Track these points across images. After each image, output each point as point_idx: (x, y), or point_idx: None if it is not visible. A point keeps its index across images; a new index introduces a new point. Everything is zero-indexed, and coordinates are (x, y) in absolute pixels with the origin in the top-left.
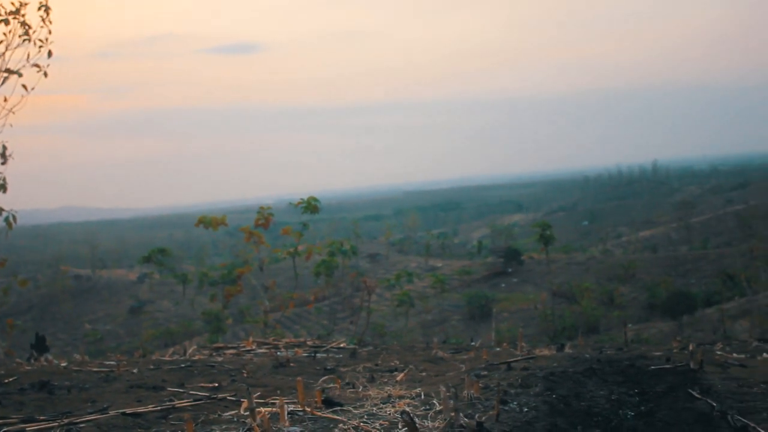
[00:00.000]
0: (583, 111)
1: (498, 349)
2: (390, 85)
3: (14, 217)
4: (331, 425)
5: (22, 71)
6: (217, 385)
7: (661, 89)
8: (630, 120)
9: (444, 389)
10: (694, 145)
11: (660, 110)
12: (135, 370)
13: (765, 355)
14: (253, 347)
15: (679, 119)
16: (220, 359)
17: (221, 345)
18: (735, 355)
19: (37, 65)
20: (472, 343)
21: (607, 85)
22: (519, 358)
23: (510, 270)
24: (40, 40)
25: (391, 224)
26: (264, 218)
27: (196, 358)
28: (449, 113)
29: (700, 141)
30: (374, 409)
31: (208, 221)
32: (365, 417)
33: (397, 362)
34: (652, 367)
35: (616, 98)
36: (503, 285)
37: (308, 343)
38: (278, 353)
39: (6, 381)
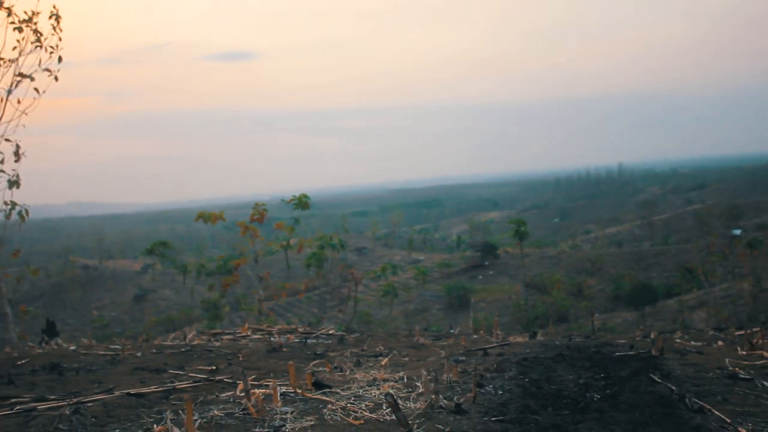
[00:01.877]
0: (554, 116)
1: (475, 336)
2: (379, 90)
3: (27, 212)
4: (321, 406)
5: (34, 75)
6: (214, 368)
7: (626, 96)
8: (597, 125)
9: (425, 373)
10: (656, 149)
11: (625, 116)
12: (139, 354)
13: (720, 343)
14: (249, 333)
15: (643, 125)
16: (217, 344)
17: (219, 331)
18: (693, 343)
19: (48, 70)
20: (452, 331)
21: (576, 93)
22: (495, 344)
23: (487, 263)
24: (51, 47)
25: (377, 220)
26: (259, 214)
27: (196, 342)
28: (434, 117)
29: (662, 145)
30: (360, 391)
31: (207, 216)
32: (352, 398)
33: (382, 348)
34: (617, 354)
35: (585, 105)
36: (480, 277)
37: (299, 329)
38: (272, 339)
39: (19, 363)
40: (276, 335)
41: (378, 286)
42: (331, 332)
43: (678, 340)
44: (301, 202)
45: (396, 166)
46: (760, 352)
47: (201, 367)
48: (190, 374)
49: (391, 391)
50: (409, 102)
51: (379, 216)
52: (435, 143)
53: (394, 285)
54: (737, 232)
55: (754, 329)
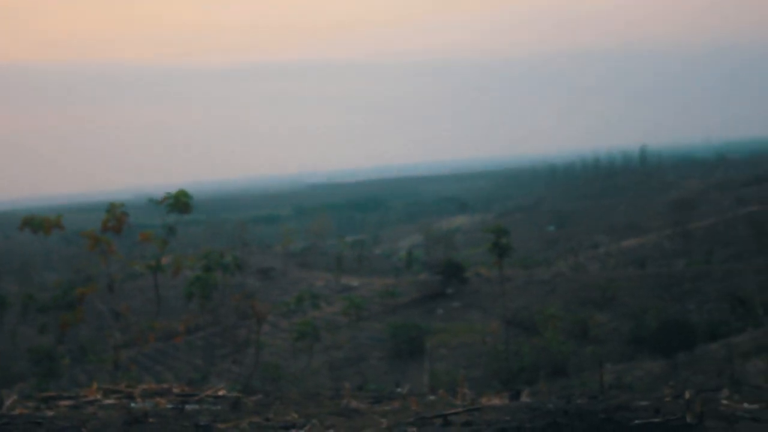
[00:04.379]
0: (549, 76)
1: (432, 397)
2: (273, 45)
3: None
4: None
5: None
6: None
7: (651, 49)
8: (610, 89)
9: None
10: (694, 126)
11: (650, 76)
12: None
13: None
14: (98, 397)
15: (677, 90)
16: (51, 414)
17: (54, 394)
18: (746, 405)
19: None
20: (398, 390)
21: (580, 43)
22: (460, 409)
23: (450, 291)
24: None
25: (290, 228)
26: (115, 219)
27: (17, 412)
28: (369, 78)
29: (703, 120)
30: None
31: (37, 223)
32: None
33: (296, 416)
34: (637, 422)
35: (591, 60)
36: (440, 311)
37: (174, 390)
38: (132, 405)
39: None
40: (139, 399)
41: (292, 325)
42: (221, 393)
43: (725, 402)
44: (179, 202)
45: (316, 150)
46: None
47: None
48: None
49: None
50: (329, 56)
51: (295, 222)
52: (367, 117)
53: (315, 324)
54: None
55: None
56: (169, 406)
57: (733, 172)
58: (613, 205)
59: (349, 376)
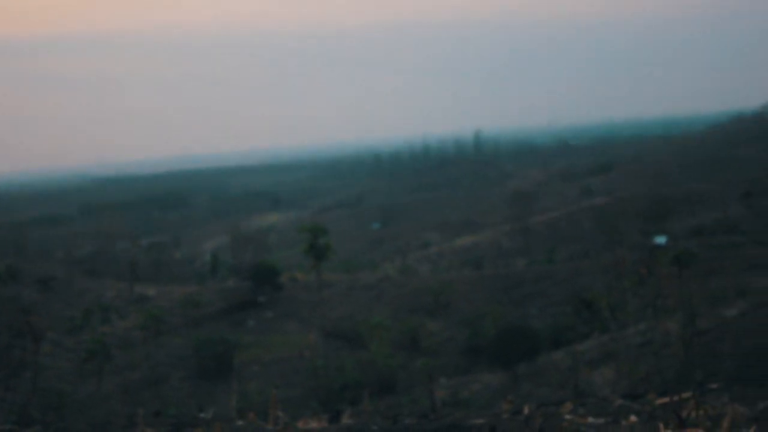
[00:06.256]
0: (370, 51)
1: (241, 422)
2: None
3: None
4: None
5: None
6: None
7: (489, 20)
8: (438, 69)
9: None
10: (534, 108)
11: (486, 53)
12: None
13: (633, 418)
14: None
15: (513, 71)
16: None
17: None
18: (591, 419)
19: None
20: (202, 415)
21: (403, 16)
22: None
23: (262, 299)
24: None
25: (76, 230)
26: None
27: None
28: (151, 53)
29: (545, 102)
30: None
31: None
32: None
33: None
34: None
35: (422, 33)
36: (252, 323)
37: None
38: None
39: None
40: None
41: (78, 344)
42: None
43: (568, 417)
44: None
45: (104, 137)
46: (694, 430)
47: None
48: None
49: None
50: (106, 26)
51: (81, 223)
52: (170, 101)
53: (106, 341)
54: (661, 240)
55: (684, 395)
56: None
57: (576, 160)
58: (445, 198)
59: (147, 400)
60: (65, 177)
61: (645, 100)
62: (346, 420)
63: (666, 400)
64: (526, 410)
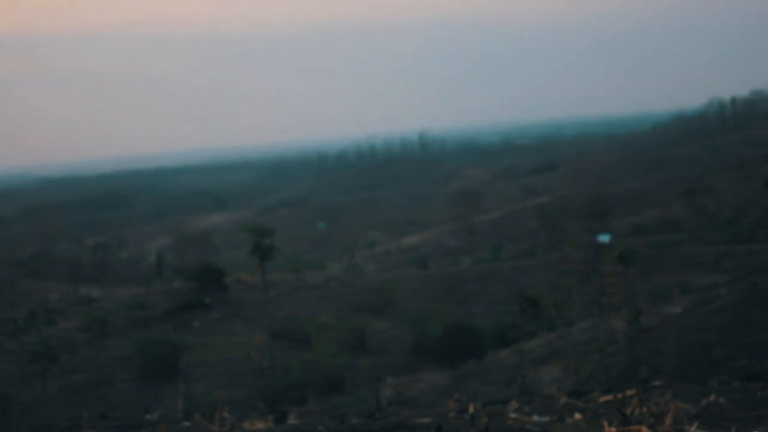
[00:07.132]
0: (314, 48)
1: (187, 423)
2: None
3: None
4: None
5: None
6: None
7: (428, 22)
8: (383, 66)
9: None
10: (478, 107)
11: (428, 52)
12: None
13: (578, 416)
14: None
15: (461, 72)
16: None
17: None
18: (536, 417)
19: None
20: (147, 417)
21: (353, 16)
22: None
23: (208, 300)
24: None
25: (19, 231)
26: None
27: None
28: (82, 53)
29: (487, 102)
30: None
31: None
32: None
33: None
34: None
35: (373, 34)
36: (197, 324)
37: None
38: None
39: None
40: None
41: (21, 347)
42: None
43: (513, 415)
44: None
45: (42, 136)
46: (638, 427)
47: None
48: None
49: None
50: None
51: (21, 224)
52: (109, 101)
53: (50, 343)
54: (605, 238)
55: (629, 392)
56: None
57: (520, 159)
58: (391, 197)
59: (91, 402)
60: (6, 178)
61: (590, 100)
62: (292, 420)
63: (610, 397)
64: (471, 409)
